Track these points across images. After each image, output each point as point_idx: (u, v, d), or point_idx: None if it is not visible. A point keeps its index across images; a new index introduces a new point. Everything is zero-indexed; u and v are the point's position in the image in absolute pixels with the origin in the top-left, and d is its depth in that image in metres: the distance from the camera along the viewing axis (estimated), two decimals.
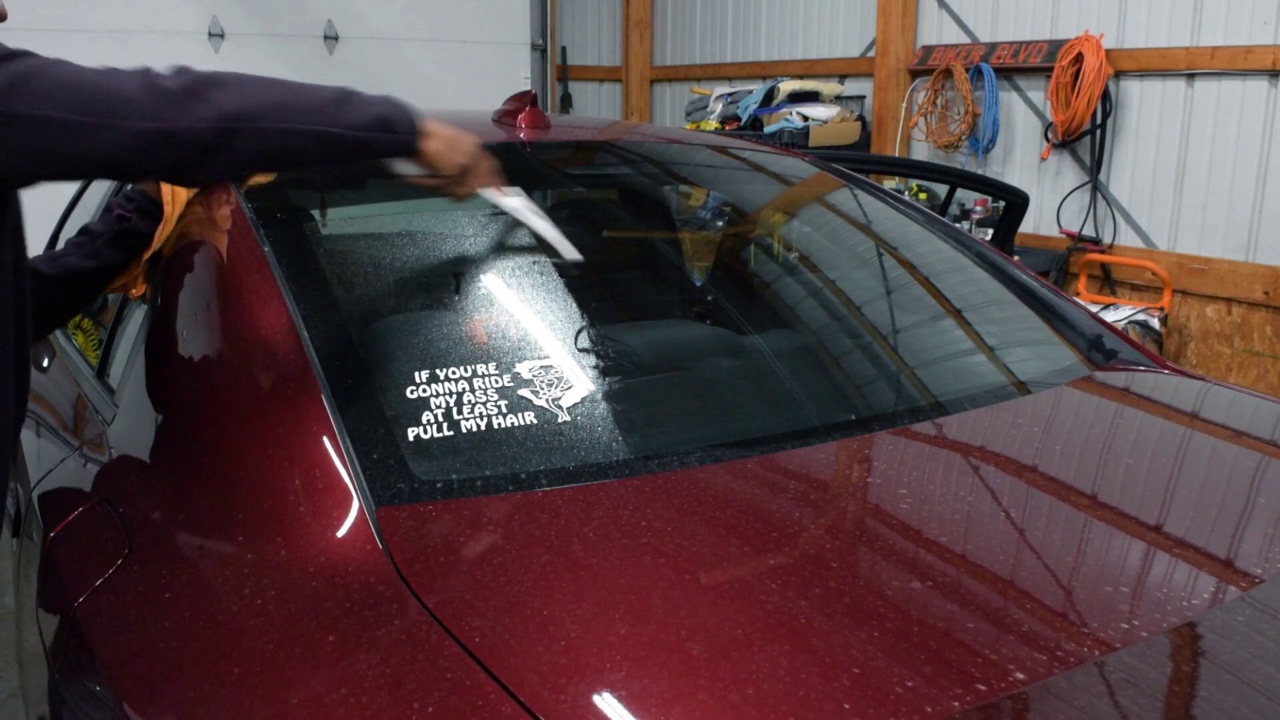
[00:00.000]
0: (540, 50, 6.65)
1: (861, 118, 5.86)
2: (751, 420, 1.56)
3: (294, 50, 5.66)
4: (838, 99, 5.91)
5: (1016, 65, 5.05)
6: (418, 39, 6.03)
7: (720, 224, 2.21)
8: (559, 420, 1.38)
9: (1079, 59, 4.65)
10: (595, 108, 8.04)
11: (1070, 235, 4.94)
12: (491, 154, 1.53)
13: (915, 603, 1.08)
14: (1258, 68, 4.21)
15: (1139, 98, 4.67)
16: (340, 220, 1.97)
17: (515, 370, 1.44)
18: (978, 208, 5.15)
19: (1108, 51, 4.64)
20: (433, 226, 2.23)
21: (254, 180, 1.66)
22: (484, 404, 1.37)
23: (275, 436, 1.30)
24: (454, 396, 1.37)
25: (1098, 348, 1.88)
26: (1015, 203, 3.42)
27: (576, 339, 1.60)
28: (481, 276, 1.75)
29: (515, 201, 1.64)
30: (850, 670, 0.96)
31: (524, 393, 1.40)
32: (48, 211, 2.72)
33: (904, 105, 5.68)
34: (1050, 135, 4.96)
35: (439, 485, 1.26)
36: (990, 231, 4.20)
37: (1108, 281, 4.93)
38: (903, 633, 1.03)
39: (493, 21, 6.34)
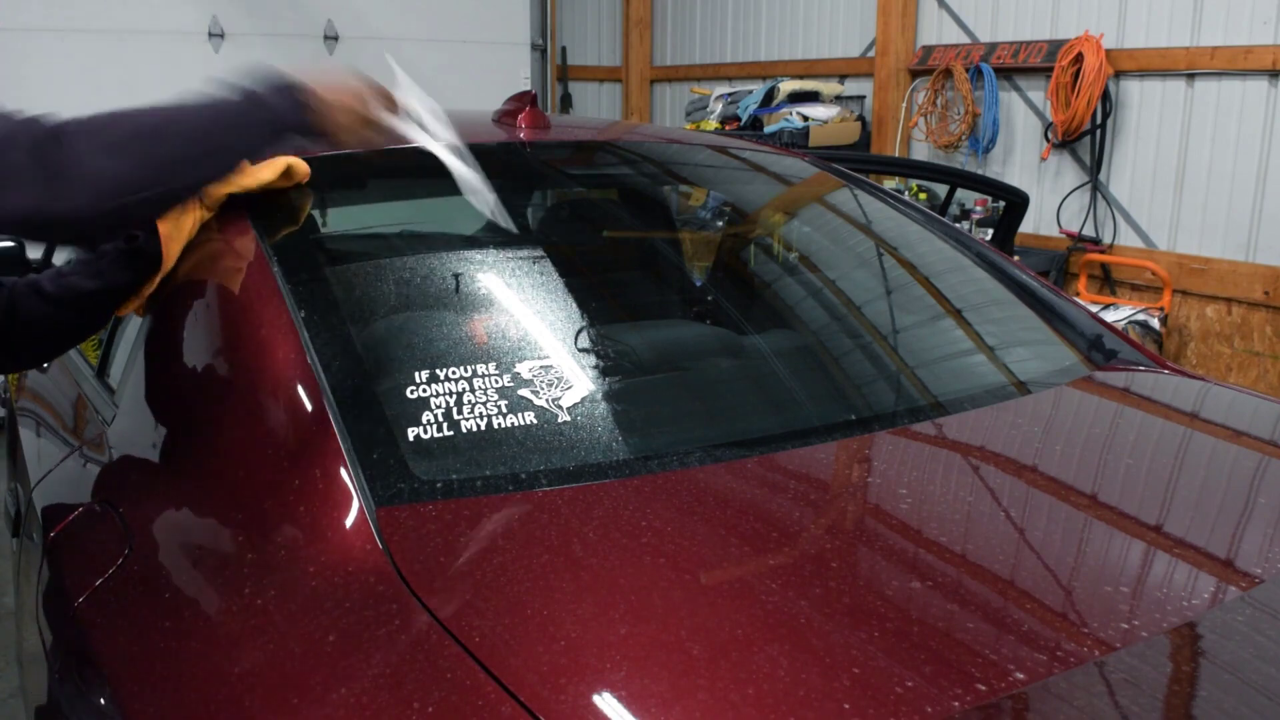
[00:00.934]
0: (540, 50, 6.65)
1: (861, 118, 5.86)
2: (751, 420, 1.56)
3: (294, 50, 5.67)
4: (838, 99, 5.91)
5: (1016, 65, 5.05)
6: (418, 39, 6.03)
7: (720, 224, 2.21)
8: (559, 420, 1.38)
9: (1079, 59, 4.66)
10: (595, 108, 8.04)
11: (1070, 235, 4.95)
12: (379, 89, 1.50)
13: (915, 603, 1.08)
14: (1258, 68, 4.21)
15: (1139, 98, 4.67)
16: (340, 219, 1.97)
17: (515, 370, 1.44)
18: (978, 208, 5.15)
19: (1108, 51, 4.64)
20: (432, 226, 2.23)
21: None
22: (484, 404, 1.37)
23: (275, 436, 1.30)
24: (454, 396, 1.37)
25: (1098, 348, 1.88)
26: (1015, 203, 3.42)
27: (576, 339, 1.60)
28: (481, 276, 1.75)
29: (427, 136, 1.57)
30: (850, 670, 0.96)
31: (524, 393, 1.40)
32: None
33: (904, 105, 5.68)
34: (1050, 135, 4.97)
35: (439, 485, 1.26)
36: (990, 231, 4.20)
37: (1108, 281, 4.93)
38: (903, 633, 1.03)
39: (493, 21, 6.34)
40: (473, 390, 1.39)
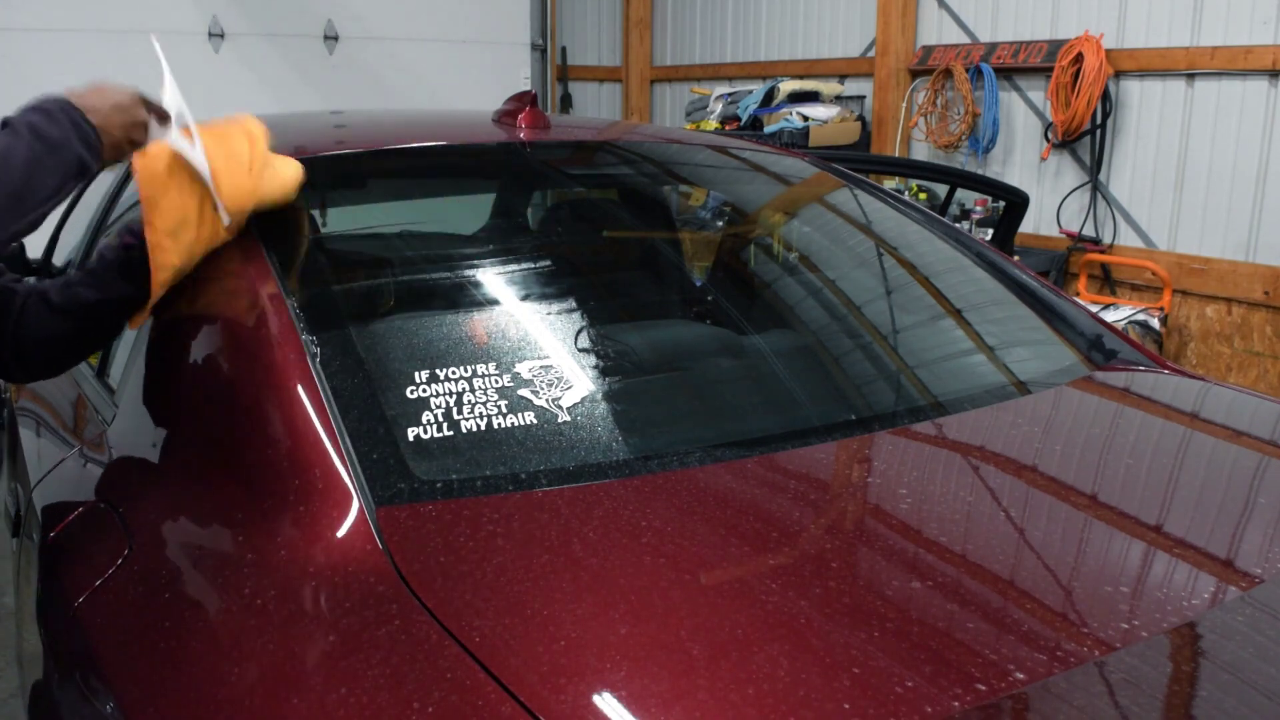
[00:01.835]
0: (540, 50, 6.65)
1: (861, 118, 5.86)
2: (751, 420, 1.56)
3: (294, 50, 5.67)
4: (838, 99, 5.91)
5: (1016, 65, 5.05)
6: (418, 39, 6.03)
7: (720, 224, 2.21)
8: (559, 420, 1.38)
9: (1079, 59, 4.66)
10: (595, 108, 8.04)
11: (1070, 235, 4.95)
12: (150, 100, 1.45)
13: (915, 603, 1.09)
14: (1258, 68, 4.21)
15: (1139, 98, 4.67)
16: (340, 219, 1.97)
17: (515, 370, 1.44)
18: (978, 208, 5.15)
19: (1108, 51, 4.64)
20: (432, 226, 2.23)
21: None
22: (484, 404, 1.37)
23: (275, 436, 1.30)
24: (454, 396, 1.37)
25: (1098, 348, 1.88)
26: (1015, 203, 3.42)
27: (576, 339, 1.60)
28: (482, 276, 1.75)
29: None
30: (850, 670, 0.96)
31: (524, 393, 1.40)
32: None
33: (904, 105, 5.68)
34: (1050, 135, 4.96)
35: (439, 485, 1.26)
36: (990, 231, 4.20)
37: (1108, 281, 4.93)
38: (903, 633, 1.03)
39: (493, 21, 6.34)
40: (473, 390, 1.39)
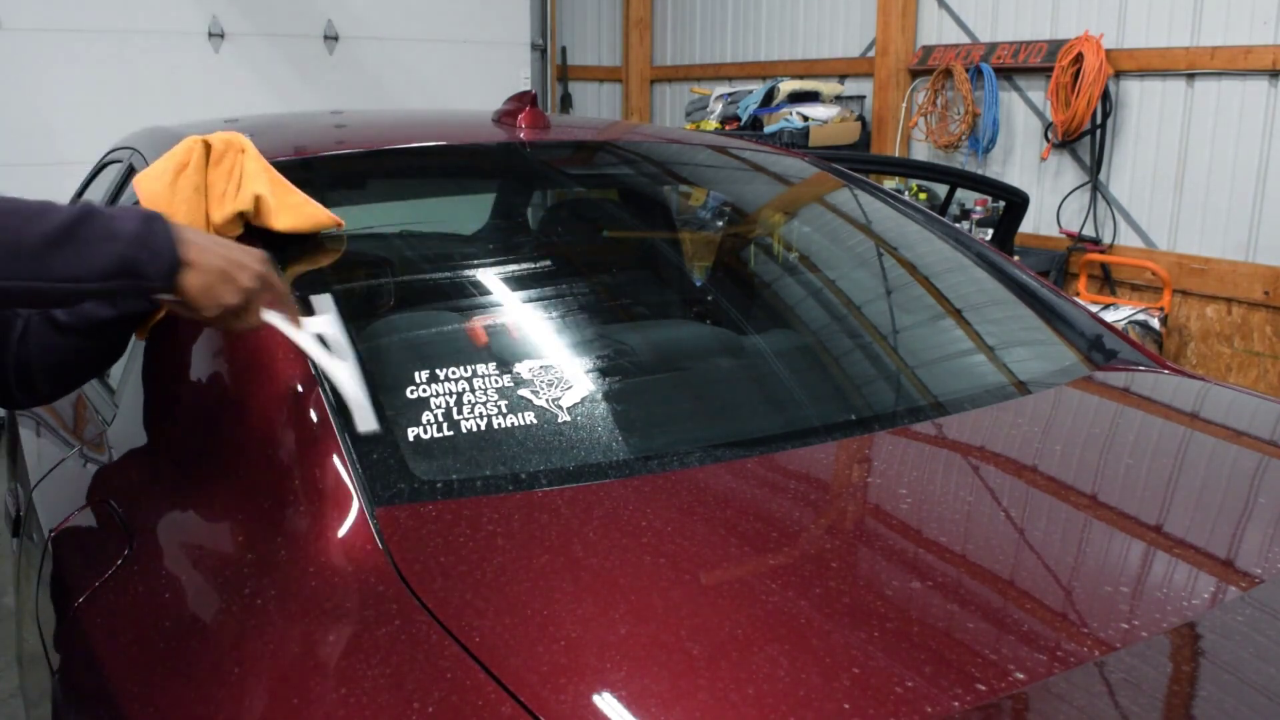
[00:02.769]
0: (540, 50, 6.65)
1: (861, 118, 5.86)
2: (751, 420, 1.56)
3: (294, 50, 5.67)
4: (838, 99, 5.91)
5: (1016, 65, 5.05)
6: (418, 39, 6.03)
7: (720, 224, 2.21)
8: (559, 420, 1.38)
9: (1079, 59, 4.66)
10: (595, 108, 8.04)
11: (1070, 235, 4.94)
12: (277, 278, 1.25)
13: (915, 603, 1.09)
14: (1258, 68, 4.21)
15: (1139, 98, 4.67)
16: (341, 218, 1.97)
17: (515, 370, 1.44)
18: (978, 208, 5.15)
19: (1108, 51, 4.64)
20: (432, 226, 2.23)
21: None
22: (484, 404, 1.37)
23: (275, 436, 1.30)
24: (454, 396, 1.37)
25: (1098, 348, 1.88)
26: (1015, 203, 3.42)
27: (576, 339, 1.60)
28: (481, 277, 1.75)
29: (317, 330, 1.30)
30: (850, 670, 0.96)
31: (524, 393, 1.40)
32: None
33: (904, 105, 5.68)
34: (1050, 135, 4.96)
35: (439, 485, 1.26)
36: (990, 231, 4.20)
37: (1108, 281, 4.93)
38: (903, 633, 1.03)
39: (493, 21, 6.34)
40: (473, 390, 1.39)
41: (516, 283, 1.72)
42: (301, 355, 1.33)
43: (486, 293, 1.70)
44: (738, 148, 2.40)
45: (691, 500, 1.28)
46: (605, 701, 0.93)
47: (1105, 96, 4.69)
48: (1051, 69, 4.79)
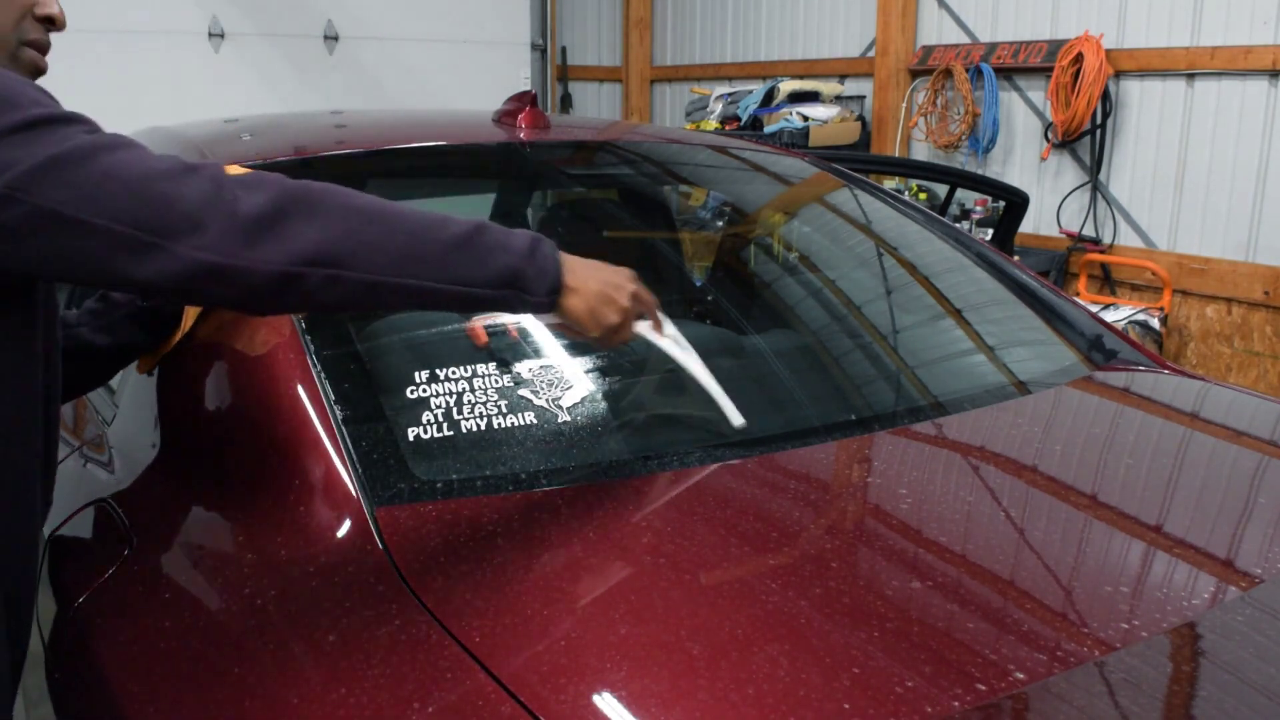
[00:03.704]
0: (540, 50, 6.65)
1: (861, 118, 5.86)
2: (751, 420, 1.56)
3: (294, 50, 5.67)
4: (838, 99, 5.91)
5: (1016, 65, 5.05)
6: (418, 39, 6.03)
7: (720, 224, 2.21)
8: (559, 420, 1.38)
9: (1079, 59, 4.65)
10: (595, 108, 8.04)
11: (1070, 235, 4.94)
12: (647, 292, 1.29)
13: (915, 603, 1.09)
14: (1258, 68, 4.21)
15: (1139, 98, 4.67)
16: None
17: (515, 370, 1.44)
18: (978, 208, 5.15)
19: (1108, 51, 4.64)
20: None
21: None
22: (484, 404, 1.37)
23: (275, 436, 1.30)
24: (454, 396, 1.37)
25: (1098, 348, 1.88)
26: (1015, 203, 3.42)
27: (576, 339, 1.60)
28: None
29: (675, 336, 1.37)
30: (850, 670, 0.96)
31: (524, 393, 1.40)
32: None
33: (904, 105, 5.68)
34: (1050, 135, 4.96)
35: (439, 485, 1.26)
36: (990, 231, 4.20)
37: (1108, 281, 4.93)
38: (903, 633, 1.03)
39: (493, 21, 6.35)
40: (472, 390, 1.39)
41: None
42: (301, 355, 1.33)
43: None
44: (738, 148, 2.40)
45: (691, 500, 1.28)
46: (605, 701, 0.93)
47: (1105, 96, 4.69)
48: (1051, 69, 4.79)
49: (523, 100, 2.18)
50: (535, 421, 1.37)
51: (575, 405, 1.41)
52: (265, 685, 1.03)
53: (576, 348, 1.58)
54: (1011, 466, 1.45)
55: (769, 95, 5.84)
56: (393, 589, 1.09)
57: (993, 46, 5.17)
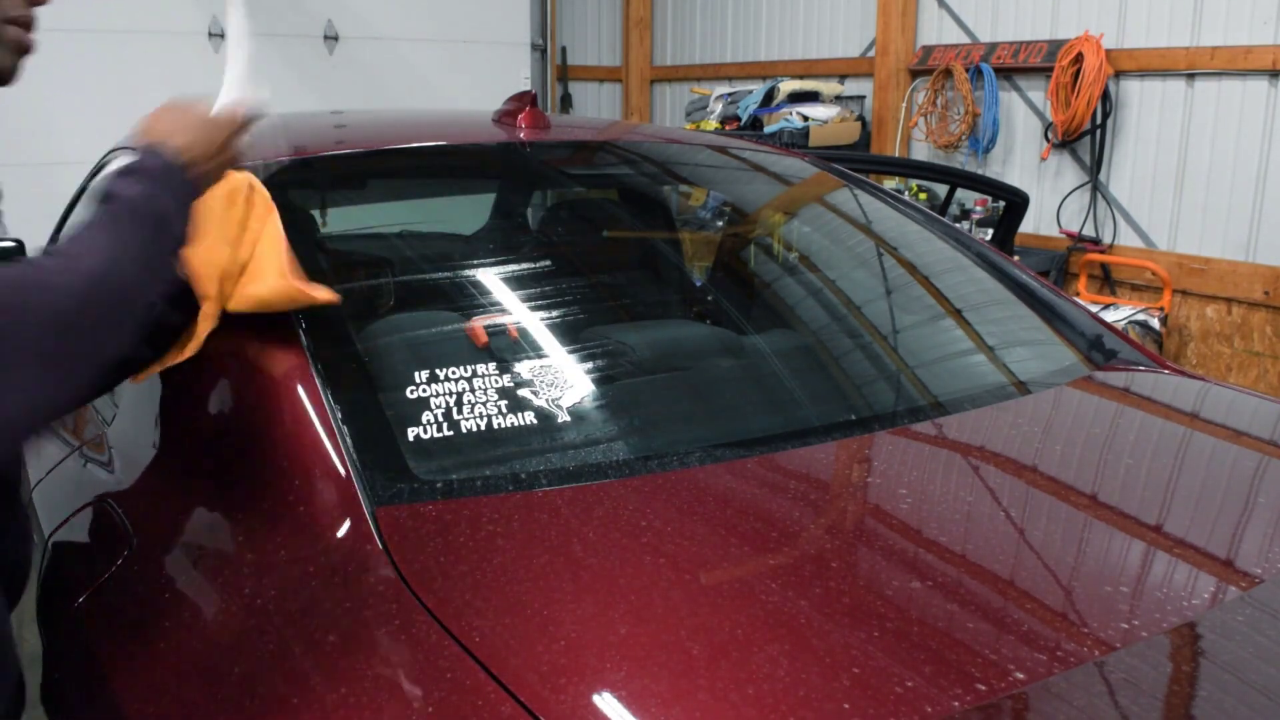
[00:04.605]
0: (540, 50, 6.65)
1: (861, 118, 5.86)
2: (751, 420, 1.56)
3: (294, 50, 5.67)
4: (838, 99, 5.91)
5: (1016, 65, 5.05)
6: (418, 39, 6.03)
7: (720, 224, 2.21)
8: (559, 420, 1.38)
9: (1079, 59, 4.65)
10: (595, 108, 8.03)
11: (1070, 235, 4.94)
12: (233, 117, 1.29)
13: (915, 603, 1.08)
14: (1258, 68, 4.21)
15: (1139, 98, 4.67)
16: (340, 219, 1.97)
17: (515, 370, 1.44)
18: (978, 208, 5.15)
19: (1108, 51, 4.64)
20: (432, 226, 2.23)
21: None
22: (484, 404, 1.37)
23: (275, 436, 1.30)
24: (454, 396, 1.37)
25: (1098, 348, 1.88)
26: (1015, 203, 3.42)
27: (576, 339, 1.60)
28: (481, 276, 1.75)
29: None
30: (850, 670, 0.96)
31: (524, 393, 1.40)
32: (48, 212, 2.72)
33: (904, 105, 5.68)
34: (1050, 135, 4.96)
35: (439, 485, 1.26)
36: (990, 231, 4.20)
37: (1108, 281, 4.93)
38: (903, 633, 1.03)
39: (493, 21, 6.34)
40: (473, 390, 1.39)
41: (516, 283, 1.71)
42: (301, 355, 1.33)
43: (486, 293, 1.70)
44: (738, 148, 2.40)
45: (691, 500, 1.28)
46: (605, 701, 0.93)
47: (1105, 96, 4.69)
48: (1051, 69, 4.79)
49: (523, 100, 2.18)
50: (535, 421, 1.37)
51: (575, 405, 1.41)
52: (265, 685, 1.03)
53: (576, 348, 1.58)
54: (1011, 467, 1.45)
55: (769, 95, 5.84)
56: (393, 589, 1.09)
57: (993, 46, 5.17)
